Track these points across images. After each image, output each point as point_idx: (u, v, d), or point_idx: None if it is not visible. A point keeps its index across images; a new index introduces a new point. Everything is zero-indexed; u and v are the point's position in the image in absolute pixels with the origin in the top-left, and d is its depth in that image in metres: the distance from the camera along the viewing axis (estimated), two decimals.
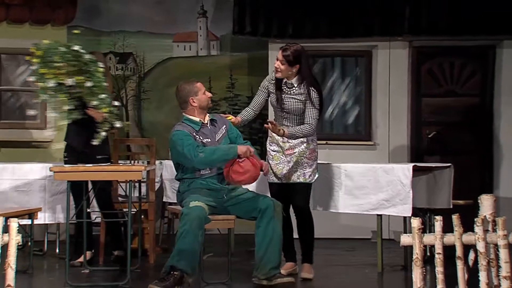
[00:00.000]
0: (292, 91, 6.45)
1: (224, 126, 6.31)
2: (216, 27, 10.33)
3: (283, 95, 6.46)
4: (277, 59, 6.39)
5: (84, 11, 9.96)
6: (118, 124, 6.57)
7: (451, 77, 9.65)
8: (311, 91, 6.38)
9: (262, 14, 9.51)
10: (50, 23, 9.55)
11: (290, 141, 6.46)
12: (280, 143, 6.51)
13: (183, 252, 5.79)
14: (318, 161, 6.65)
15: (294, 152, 6.45)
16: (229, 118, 6.44)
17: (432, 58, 9.67)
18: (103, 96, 6.40)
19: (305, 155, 6.46)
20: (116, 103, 6.58)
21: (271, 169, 6.51)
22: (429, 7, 9.32)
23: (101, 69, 6.45)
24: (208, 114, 6.32)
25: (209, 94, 6.29)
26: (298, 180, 6.45)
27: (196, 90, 6.22)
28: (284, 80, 6.46)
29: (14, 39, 9.46)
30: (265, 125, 6.35)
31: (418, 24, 9.33)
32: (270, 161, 6.53)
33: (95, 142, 6.52)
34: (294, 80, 6.44)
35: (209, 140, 6.18)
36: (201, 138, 6.18)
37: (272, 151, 6.54)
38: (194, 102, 6.21)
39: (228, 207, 6.13)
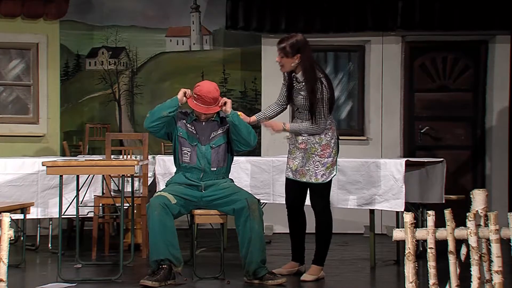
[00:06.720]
0: (299, 86, 6.18)
1: (228, 124, 6.15)
2: (209, 22, 10.31)
3: (293, 90, 6.21)
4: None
5: (77, 5, 9.92)
6: None
7: (443, 72, 9.66)
8: (316, 86, 6.07)
9: (255, 8, 9.50)
10: (42, 17, 9.51)
11: (302, 134, 6.20)
12: (294, 136, 6.28)
13: (157, 244, 5.82)
14: None
15: (306, 148, 6.20)
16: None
17: (425, 53, 9.68)
18: None
19: (316, 153, 6.18)
20: None
21: (288, 164, 6.32)
22: (422, 2, 9.32)
23: None
24: (214, 115, 6.15)
25: (198, 111, 6.08)
26: (310, 181, 6.20)
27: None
28: (293, 74, 6.20)
29: (6, 33, 9.43)
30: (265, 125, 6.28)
31: (411, 19, 9.33)
32: (288, 155, 6.32)
33: None
34: (300, 75, 6.15)
35: (198, 134, 6.15)
36: (192, 128, 6.17)
37: (290, 144, 6.33)
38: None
39: (205, 203, 6.10)
